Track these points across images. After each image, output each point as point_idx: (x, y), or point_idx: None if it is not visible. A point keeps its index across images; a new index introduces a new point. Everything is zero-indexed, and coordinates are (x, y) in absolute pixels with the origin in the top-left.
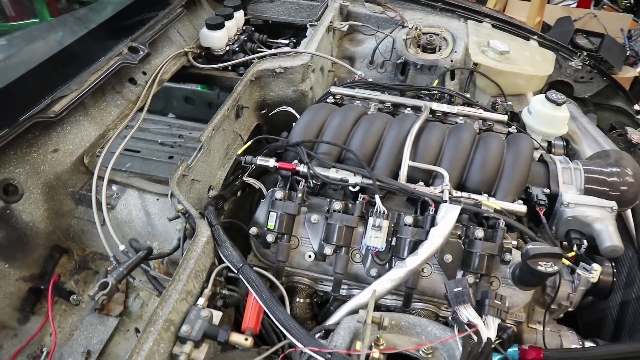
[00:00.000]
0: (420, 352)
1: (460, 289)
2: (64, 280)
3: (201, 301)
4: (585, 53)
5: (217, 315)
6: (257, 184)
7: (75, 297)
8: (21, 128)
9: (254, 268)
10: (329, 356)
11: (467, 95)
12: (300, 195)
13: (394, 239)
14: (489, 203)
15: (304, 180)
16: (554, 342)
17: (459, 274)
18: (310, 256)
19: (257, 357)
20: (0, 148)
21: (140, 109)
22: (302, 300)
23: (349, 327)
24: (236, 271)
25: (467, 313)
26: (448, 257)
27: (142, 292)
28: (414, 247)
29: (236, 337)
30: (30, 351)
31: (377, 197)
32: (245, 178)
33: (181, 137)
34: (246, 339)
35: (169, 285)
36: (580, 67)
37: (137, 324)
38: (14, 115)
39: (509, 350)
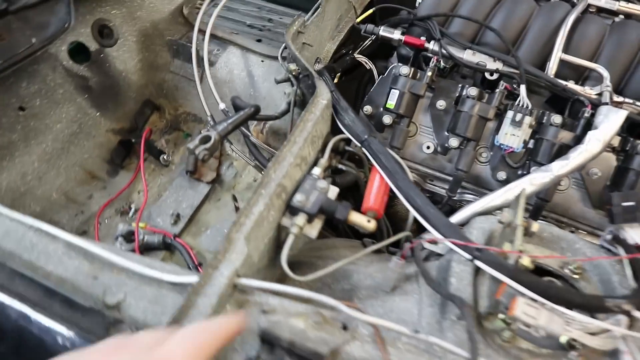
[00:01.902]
0: (566, 271)
1: (632, 203)
2: (154, 138)
3: (317, 171)
4: None
5: (333, 190)
6: (368, 63)
7: (165, 157)
8: None
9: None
10: (478, 253)
11: None
12: (429, 74)
13: (532, 140)
14: None
15: (435, 58)
16: None
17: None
18: (428, 147)
19: (362, 249)
20: None
21: None
22: None
23: (483, 227)
24: (359, 144)
25: (636, 233)
26: (595, 172)
27: (236, 162)
28: (559, 152)
29: (357, 217)
30: (118, 205)
31: (522, 87)
32: (356, 55)
33: (271, 21)
34: (369, 221)
35: (283, 147)
36: None
37: (229, 194)
38: None
39: None
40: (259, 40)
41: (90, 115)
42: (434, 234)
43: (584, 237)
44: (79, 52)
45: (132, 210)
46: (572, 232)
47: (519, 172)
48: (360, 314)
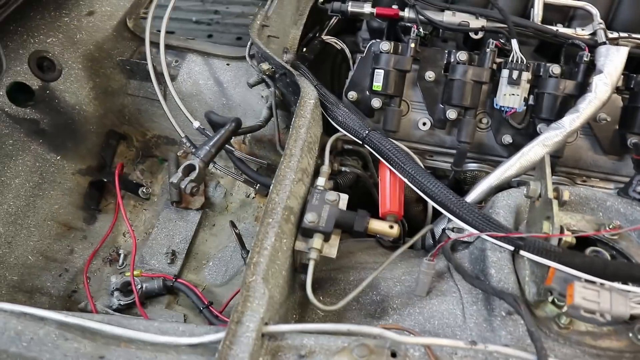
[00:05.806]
0: (604, 233)
1: None
2: (128, 171)
3: (321, 181)
4: None
5: (344, 199)
6: (339, 42)
7: (144, 190)
8: None
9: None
10: (521, 242)
11: None
12: (413, 45)
13: (532, 96)
14: None
15: (414, 26)
16: None
17: None
18: (424, 123)
19: (379, 248)
20: (22, 7)
21: None
22: None
23: (509, 205)
24: (360, 141)
25: None
26: (604, 117)
27: (222, 179)
28: (563, 104)
29: (378, 225)
30: (105, 254)
31: (514, 41)
32: (324, 36)
33: (217, 12)
34: (391, 227)
35: (281, 164)
36: None
37: (223, 217)
38: None
39: None
40: (210, 36)
41: (51, 161)
42: (467, 229)
43: (598, 184)
44: (20, 93)
45: (122, 256)
46: (584, 181)
47: (525, 132)
48: (409, 338)
